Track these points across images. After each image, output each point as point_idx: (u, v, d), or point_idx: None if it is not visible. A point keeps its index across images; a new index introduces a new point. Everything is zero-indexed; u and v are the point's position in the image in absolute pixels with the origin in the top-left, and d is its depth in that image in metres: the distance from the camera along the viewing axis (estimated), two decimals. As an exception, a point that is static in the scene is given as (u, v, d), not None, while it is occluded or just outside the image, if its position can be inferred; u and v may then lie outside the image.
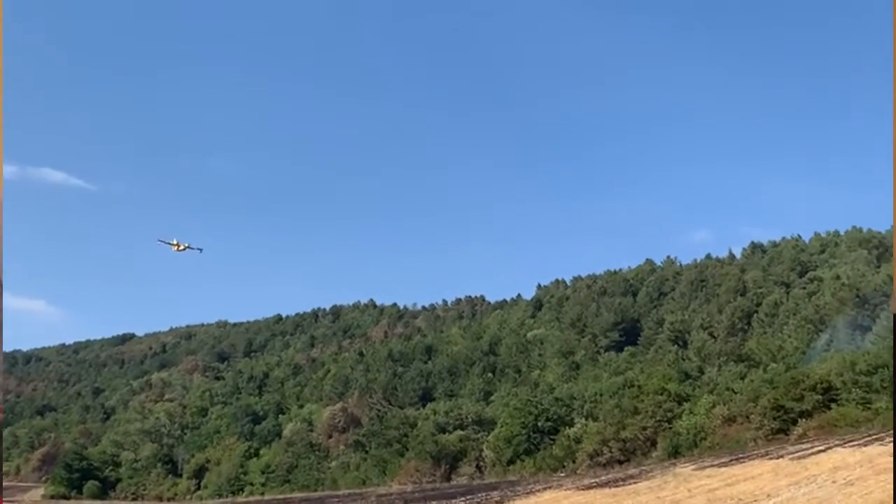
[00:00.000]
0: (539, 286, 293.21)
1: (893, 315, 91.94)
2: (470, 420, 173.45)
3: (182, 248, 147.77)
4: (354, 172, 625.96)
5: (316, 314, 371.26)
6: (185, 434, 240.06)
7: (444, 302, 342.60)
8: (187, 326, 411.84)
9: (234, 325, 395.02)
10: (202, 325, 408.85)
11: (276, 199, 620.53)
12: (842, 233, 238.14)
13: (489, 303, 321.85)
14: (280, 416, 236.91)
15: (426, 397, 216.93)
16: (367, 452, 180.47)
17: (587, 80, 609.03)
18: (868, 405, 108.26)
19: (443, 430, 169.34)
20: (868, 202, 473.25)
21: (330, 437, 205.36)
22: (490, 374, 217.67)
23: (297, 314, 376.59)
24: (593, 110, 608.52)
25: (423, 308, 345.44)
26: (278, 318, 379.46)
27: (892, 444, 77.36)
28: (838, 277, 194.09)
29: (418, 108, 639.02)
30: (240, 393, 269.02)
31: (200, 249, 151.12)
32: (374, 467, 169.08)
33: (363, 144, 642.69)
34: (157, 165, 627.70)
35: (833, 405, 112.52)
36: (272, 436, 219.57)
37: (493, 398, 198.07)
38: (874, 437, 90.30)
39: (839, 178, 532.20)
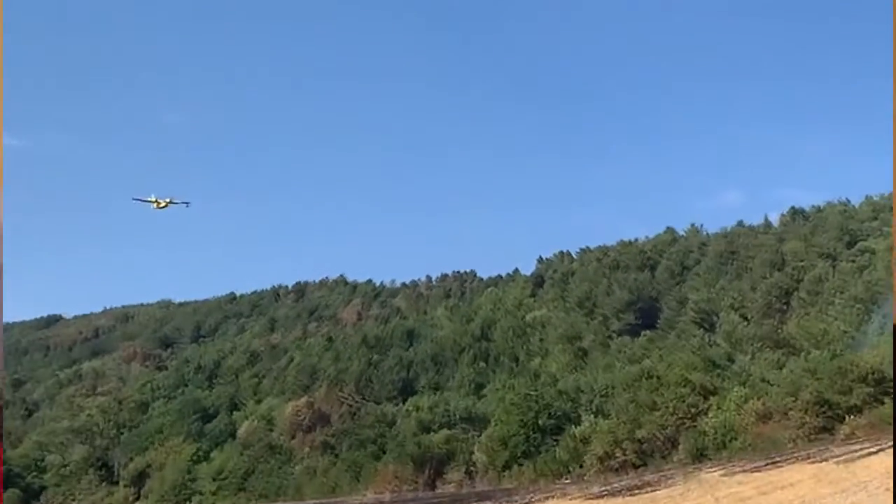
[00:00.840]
0: (540, 259, 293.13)
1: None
2: (458, 417, 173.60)
3: (164, 204, 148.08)
4: (323, 128, 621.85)
5: (276, 292, 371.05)
6: (122, 434, 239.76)
7: (429, 278, 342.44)
8: (124, 307, 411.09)
9: (180, 304, 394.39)
10: (142, 305, 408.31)
11: (233, 160, 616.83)
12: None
13: (481, 279, 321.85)
14: (234, 412, 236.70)
15: (407, 390, 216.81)
16: (336, 455, 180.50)
17: (597, 21, 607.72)
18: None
19: (426, 429, 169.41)
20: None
21: (293, 437, 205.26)
22: (482, 364, 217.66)
23: (254, 292, 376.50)
24: (604, 55, 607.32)
25: (404, 285, 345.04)
26: (232, 297, 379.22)
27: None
28: (893, 248, 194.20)
29: (399, 58, 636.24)
30: (186, 385, 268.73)
31: (187, 203, 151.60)
32: (345, 472, 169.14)
33: (334, 99, 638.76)
34: (101, 120, 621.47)
35: (886, 399, 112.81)
36: (225, 436, 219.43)
37: (485, 391, 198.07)
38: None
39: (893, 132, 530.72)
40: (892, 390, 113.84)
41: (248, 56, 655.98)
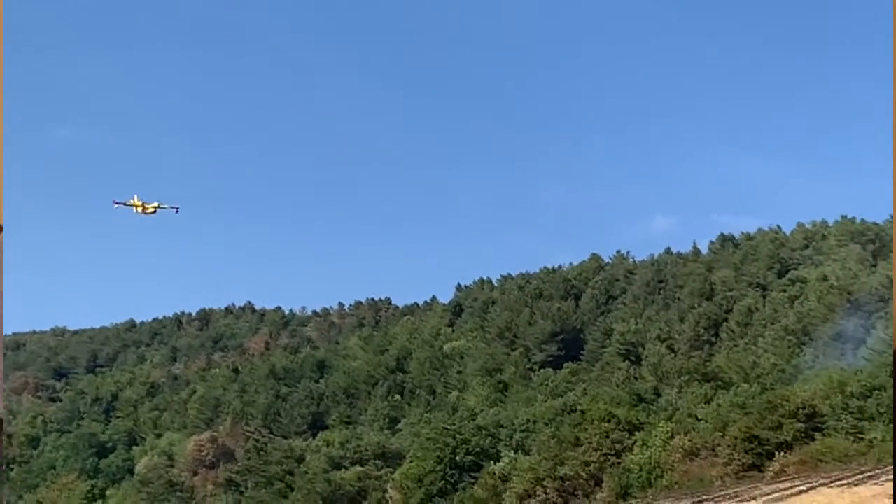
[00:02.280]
0: (459, 287, 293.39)
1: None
2: (371, 453, 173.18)
3: (151, 209, 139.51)
4: (225, 144, 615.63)
5: (179, 320, 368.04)
6: (12, 470, 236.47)
7: (341, 306, 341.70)
8: (14, 334, 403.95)
9: (75, 332, 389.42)
10: (33, 332, 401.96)
11: (131, 178, 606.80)
12: (830, 223, 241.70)
13: (397, 307, 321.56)
14: (133, 447, 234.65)
15: (317, 425, 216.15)
16: (241, 493, 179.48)
17: (518, 30, 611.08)
18: (860, 435, 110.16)
19: (337, 466, 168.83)
20: (862, 188, 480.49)
21: (195, 474, 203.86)
22: (397, 397, 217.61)
23: (154, 320, 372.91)
24: (526, 76, 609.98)
25: (315, 313, 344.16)
26: (131, 325, 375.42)
27: (890, 483, 78.82)
28: (826, 278, 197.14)
29: (305, 63, 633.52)
30: (81, 418, 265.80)
31: (177, 209, 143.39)
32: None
33: (237, 108, 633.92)
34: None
35: (818, 435, 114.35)
36: (122, 472, 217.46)
37: (400, 426, 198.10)
38: (867, 474, 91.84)
39: (829, 158, 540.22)
40: (822, 426, 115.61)
41: (143, 71, 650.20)
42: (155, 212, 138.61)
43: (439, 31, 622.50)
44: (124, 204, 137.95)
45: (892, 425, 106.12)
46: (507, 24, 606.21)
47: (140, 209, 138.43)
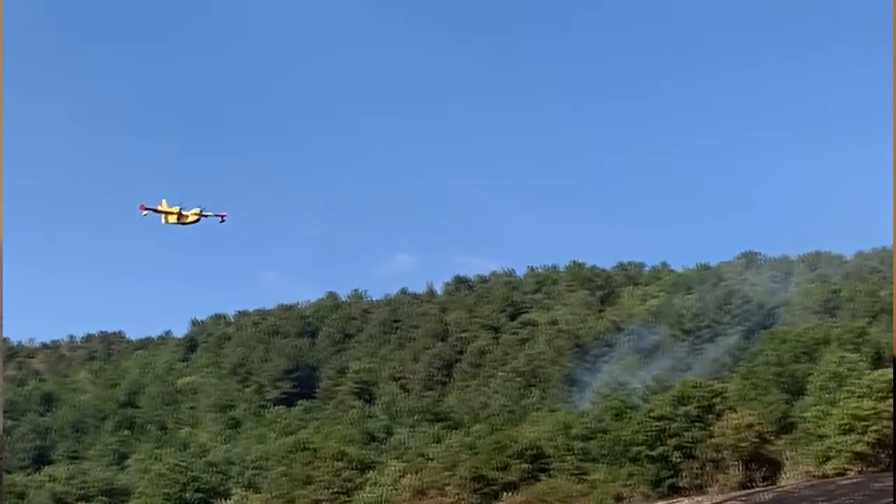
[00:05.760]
0: (194, 322, 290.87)
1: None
2: (98, 489, 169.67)
3: (191, 218, 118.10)
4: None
5: None
6: None
7: (71, 338, 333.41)
8: None
9: None
10: None
11: None
12: (561, 268, 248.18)
13: (129, 341, 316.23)
14: None
15: (42, 459, 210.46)
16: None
17: (261, 57, 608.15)
18: (583, 477, 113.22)
19: (61, 502, 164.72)
20: (592, 233, 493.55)
21: None
22: (127, 431, 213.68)
23: None
24: (283, 104, 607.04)
25: (43, 345, 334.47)
26: None
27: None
28: (555, 322, 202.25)
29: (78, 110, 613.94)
30: None
31: (222, 218, 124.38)
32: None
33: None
34: None
35: (543, 476, 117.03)
36: None
37: (129, 462, 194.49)
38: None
39: (561, 202, 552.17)
40: (547, 467, 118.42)
41: None
42: (198, 220, 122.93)
43: (207, 80, 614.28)
44: (154, 210, 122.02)
45: (613, 467, 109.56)
46: (271, 53, 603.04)
47: (175, 217, 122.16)
